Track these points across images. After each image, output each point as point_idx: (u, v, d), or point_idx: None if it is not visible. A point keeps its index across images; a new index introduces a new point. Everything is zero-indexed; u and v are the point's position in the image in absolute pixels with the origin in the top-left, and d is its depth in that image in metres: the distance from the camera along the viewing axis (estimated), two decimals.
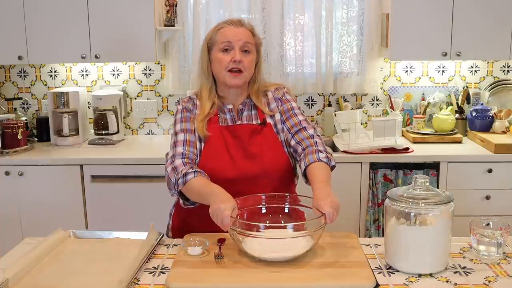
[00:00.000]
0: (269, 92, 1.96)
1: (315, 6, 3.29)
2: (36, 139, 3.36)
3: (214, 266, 1.52)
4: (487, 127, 3.19)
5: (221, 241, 1.63)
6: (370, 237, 2.90)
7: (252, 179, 1.81)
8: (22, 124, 3.09)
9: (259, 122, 1.90)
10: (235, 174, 1.81)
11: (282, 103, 1.94)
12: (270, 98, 1.95)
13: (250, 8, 3.30)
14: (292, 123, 1.90)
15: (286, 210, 1.74)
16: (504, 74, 3.43)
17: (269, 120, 1.91)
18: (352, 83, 3.40)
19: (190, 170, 1.74)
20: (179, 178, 1.74)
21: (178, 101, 3.47)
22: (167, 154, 1.87)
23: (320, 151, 1.80)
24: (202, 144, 1.87)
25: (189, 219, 1.89)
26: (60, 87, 3.46)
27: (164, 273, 1.51)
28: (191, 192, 1.74)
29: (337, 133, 3.27)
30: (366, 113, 3.49)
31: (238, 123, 1.91)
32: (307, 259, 1.54)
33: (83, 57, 3.10)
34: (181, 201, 1.82)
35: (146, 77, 3.47)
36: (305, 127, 1.89)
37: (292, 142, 1.88)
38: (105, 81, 3.47)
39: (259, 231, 1.53)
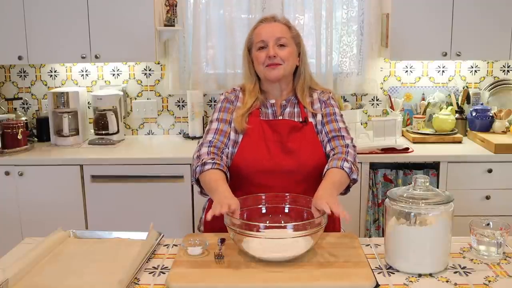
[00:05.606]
0: (314, 93, 1.99)
1: (315, 6, 3.29)
2: (36, 139, 3.35)
3: (214, 266, 1.52)
4: (487, 127, 3.19)
5: (222, 241, 1.64)
6: (370, 237, 2.90)
7: (287, 174, 1.83)
8: (22, 124, 3.09)
9: (300, 120, 1.92)
10: (271, 166, 1.83)
11: (325, 106, 1.96)
12: (315, 98, 1.98)
13: (250, 8, 3.30)
14: (331, 127, 1.92)
15: (286, 210, 1.74)
16: (504, 74, 3.42)
17: (311, 119, 1.93)
18: (352, 83, 3.40)
19: (210, 161, 1.77)
20: (197, 166, 1.79)
21: (178, 100, 3.47)
22: (199, 140, 1.91)
23: (347, 160, 1.80)
24: (240, 136, 1.89)
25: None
26: (60, 87, 3.46)
27: (164, 273, 1.51)
28: (204, 183, 1.78)
29: None
30: (366, 113, 3.49)
31: (279, 118, 1.93)
32: (307, 259, 1.54)
33: (83, 57, 3.09)
34: (197, 189, 1.86)
35: (146, 77, 3.47)
36: (343, 135, 1.91)
37: (327, 148, 1.90)
38: (105, 81, 3.47)
39: (259, 231, 1.53)
